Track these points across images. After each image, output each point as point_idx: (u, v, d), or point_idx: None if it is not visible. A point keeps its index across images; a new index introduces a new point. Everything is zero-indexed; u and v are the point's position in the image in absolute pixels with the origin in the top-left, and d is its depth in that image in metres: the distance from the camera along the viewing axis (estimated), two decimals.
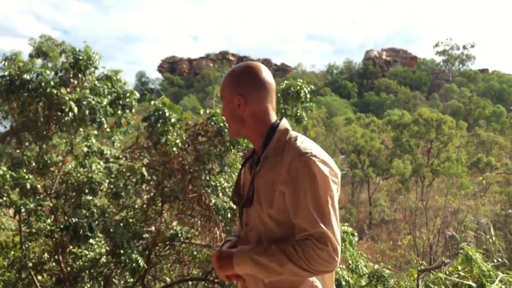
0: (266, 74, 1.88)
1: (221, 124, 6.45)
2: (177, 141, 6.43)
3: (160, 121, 6.44)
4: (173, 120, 6.49)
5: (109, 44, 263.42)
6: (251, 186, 1.85)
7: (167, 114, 6.46)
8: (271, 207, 1.76)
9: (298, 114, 7.10)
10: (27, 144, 7.52)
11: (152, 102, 6.81)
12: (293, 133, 1.84)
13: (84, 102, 6.73)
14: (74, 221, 6.08)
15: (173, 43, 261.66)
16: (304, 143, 1.77)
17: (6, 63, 6.90)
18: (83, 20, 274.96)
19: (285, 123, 1.89)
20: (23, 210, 6.41)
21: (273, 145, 1.82)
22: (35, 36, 9.49)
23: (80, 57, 6.96)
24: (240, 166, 2.41)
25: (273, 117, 1.90)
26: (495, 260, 4.50)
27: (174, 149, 6.40)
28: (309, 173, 1.67)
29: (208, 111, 6.95)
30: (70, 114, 6.59)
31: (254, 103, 1.85)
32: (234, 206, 6.56)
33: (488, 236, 4.97)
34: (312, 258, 1.61)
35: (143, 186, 7.21)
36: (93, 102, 6.77)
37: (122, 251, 6.23)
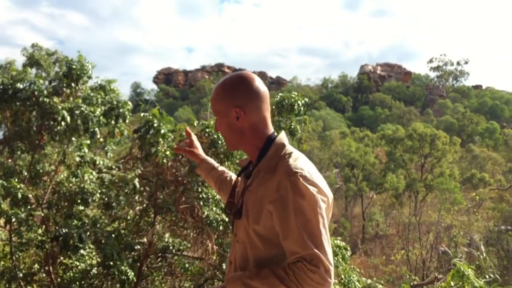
0: (259, 83, 1.81)
1: (215, 136, 6.45)
2: (167, 152, 6.41)
3: (151, 132, 6.42)
4: (162, 131, 6.47)
5: (105, 55, 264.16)
6: (241, 198, 1.82)
7: (156, 126, 6.45)
8: (258, 224, 1.71)
9: (292, 126, 7.11)
10: (19, 153, 7.49)
11: (142, 114, 6.78)
12: (289, 149, 1.77)
13: (77, 112, 6.72)
14: (64, 231, 6.04)
15: (168, 55, 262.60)
16: (297, 161, 1.70)
17: None
18: (79, 31, 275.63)
19: (282, 137, 1.82)
20: (14, 219, 6.37)
21: (267, 160, 1.76)
22: (29, 46, 9.49)
23: (74, 66, 6.96)
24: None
25: (270, 128, 1.83)
26: (487, 276, 4.50)
27: (165, 160, 6.39)
28: (297, 193, 1.60)
29: (202, 123, 6.95)
30: (63, 123, 6.57)
31: (252, 114, 1.78)
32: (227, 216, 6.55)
33: (478, 253, 4.98)
34: (304, 281, 1.56)
35: (136, 197, 7.18)
36: (86, 112, 6.76)
37: (111, 263, 6.18)
